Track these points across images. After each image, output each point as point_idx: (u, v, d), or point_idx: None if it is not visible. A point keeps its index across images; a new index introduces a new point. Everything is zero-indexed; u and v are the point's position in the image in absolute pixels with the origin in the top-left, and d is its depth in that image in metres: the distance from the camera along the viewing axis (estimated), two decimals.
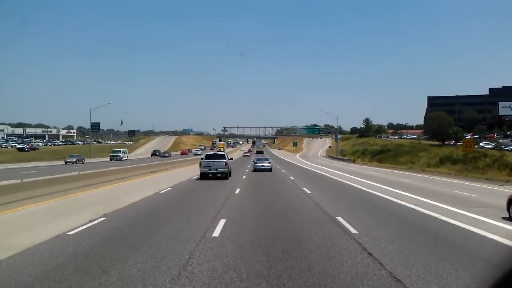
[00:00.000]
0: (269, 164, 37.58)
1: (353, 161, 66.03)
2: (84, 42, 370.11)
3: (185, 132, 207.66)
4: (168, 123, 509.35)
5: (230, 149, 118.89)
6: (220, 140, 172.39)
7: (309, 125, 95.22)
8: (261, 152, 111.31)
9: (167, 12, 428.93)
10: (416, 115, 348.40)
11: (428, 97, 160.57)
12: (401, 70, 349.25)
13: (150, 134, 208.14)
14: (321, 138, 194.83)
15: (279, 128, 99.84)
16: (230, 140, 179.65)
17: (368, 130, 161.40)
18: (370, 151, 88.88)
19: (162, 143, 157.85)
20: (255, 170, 36.38)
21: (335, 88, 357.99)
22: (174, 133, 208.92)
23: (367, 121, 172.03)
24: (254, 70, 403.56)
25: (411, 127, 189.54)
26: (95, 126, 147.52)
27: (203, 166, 26.42)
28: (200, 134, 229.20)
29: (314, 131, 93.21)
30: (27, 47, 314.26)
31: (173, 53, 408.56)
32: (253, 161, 43.13)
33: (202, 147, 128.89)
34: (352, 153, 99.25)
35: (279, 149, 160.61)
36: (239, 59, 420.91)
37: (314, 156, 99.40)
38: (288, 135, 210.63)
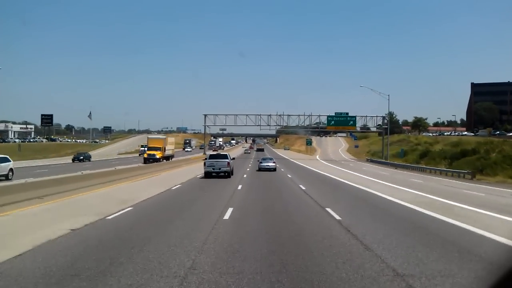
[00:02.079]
0: (273, 164, 36.69)
1: (470, 176, 30.76)
2: (81, 41, 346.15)
3: (180, 131, 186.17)
4: (167, 122, 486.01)
5: (198, 154, 67.40)
6: (208, 137, 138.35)
7: (335, 114, 60.91)
8: (262, 150, 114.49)
9: (165, 10, 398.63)
10: (430, 110, 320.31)
11: (472, 84, 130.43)
12: (405, 67, 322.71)
13: (146, 133, 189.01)
14: (330, 136, 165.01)
15: (283, 125, 60.07)
16: (214, 139, 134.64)
17: (395, 125, 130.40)
18: (435, 153, 56.25)
19: (137, 142, 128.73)
20: (260, 169, 35.68)
21: (335, 87, 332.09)
22: (167, 132, 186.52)
23: (390, 115, 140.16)
24: (254, 69, 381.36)
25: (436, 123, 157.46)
26: (47, 119, 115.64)
27: (207, 166, 27.17)
28: (198, 132, 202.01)
29: (348, 121, 59.19)
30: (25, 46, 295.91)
31: (171, 52, 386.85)
32: (258, 160, 40.88)
33: (144, 149, 65.56)
34: (392, 155, 66.62)
35: (285, 149, 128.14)
36: (239, 58, 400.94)
37: (346, 161, 66.69)
38: (293, 133, 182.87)
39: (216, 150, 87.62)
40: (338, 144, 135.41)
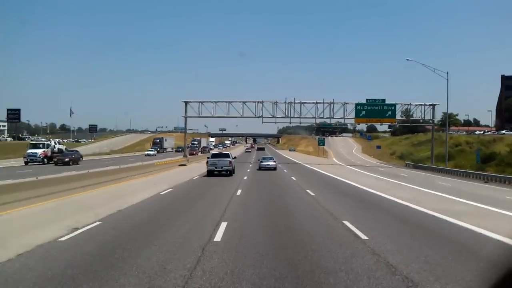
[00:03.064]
0: (274, 163, 36.87)
1: None
2: (80, 41, 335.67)
3: (177, 130, 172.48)
4: (165, 122, 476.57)
5: (172, 158, 49.71)
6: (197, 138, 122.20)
7: (366, 101, 44.05)
8: (263, 149, 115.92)
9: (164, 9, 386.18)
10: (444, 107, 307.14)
11: (502, 76, 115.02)
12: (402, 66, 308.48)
13: (141, 132, 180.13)
14: (336, 136, 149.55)
15: (295, 116, 40.82)
16: (198, 138, 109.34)
17: (414, 122, 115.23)
18: (510, 157, 40.43)
19: (122, 142, 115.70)
20: (260, 168, 35.95)
21: (337, 86, 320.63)
22: (162, 132, 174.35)
23: (406, 112, 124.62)
24: (254, 68, 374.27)
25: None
26: (13, 114, 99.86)
27: (210, 164, 28.04)
28: (196, 132, 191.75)
29: (385, 111, 41.67)
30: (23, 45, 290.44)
31: (171, 51, 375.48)
32: (259, 160, 40.12)
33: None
34: (426, 158, 51.38)
35: (290, 150, 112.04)
36: (239, 58, 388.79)
37: (384, 167, 50.11)
38: (295, 133, 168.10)
39: (196, 154, 66.36)
40: (349, 145, 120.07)
